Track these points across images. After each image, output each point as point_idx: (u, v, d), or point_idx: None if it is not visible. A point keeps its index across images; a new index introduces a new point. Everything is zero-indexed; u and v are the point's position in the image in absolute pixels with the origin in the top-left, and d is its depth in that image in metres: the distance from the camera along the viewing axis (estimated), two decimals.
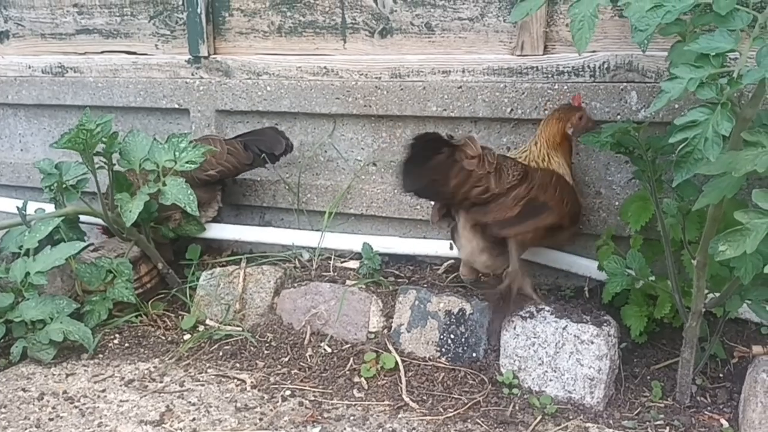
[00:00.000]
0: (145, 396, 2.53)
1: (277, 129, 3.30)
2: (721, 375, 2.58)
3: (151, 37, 3.66)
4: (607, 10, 2.76)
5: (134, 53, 3.72)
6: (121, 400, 2.51)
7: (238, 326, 2.96)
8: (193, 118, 3.53)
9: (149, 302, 3.17)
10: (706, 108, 1.71)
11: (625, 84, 2.77)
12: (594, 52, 2.82)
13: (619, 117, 2.77)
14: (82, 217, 3.22)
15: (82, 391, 2.58)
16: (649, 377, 2.59)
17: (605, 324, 2.52)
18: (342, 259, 3.24)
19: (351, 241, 3.23)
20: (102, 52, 3.80)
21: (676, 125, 1.74)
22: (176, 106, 3.57)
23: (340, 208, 3.28)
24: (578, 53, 1.92)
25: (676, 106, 2.63)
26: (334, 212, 3.27)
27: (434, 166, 2.48)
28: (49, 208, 3.17)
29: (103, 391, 2.58)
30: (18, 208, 2.95)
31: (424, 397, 2.50)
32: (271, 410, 2.43)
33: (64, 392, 2.57)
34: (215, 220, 3.46)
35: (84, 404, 2.49)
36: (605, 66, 2.80)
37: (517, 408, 2.43)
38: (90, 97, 3.74)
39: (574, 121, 2.71)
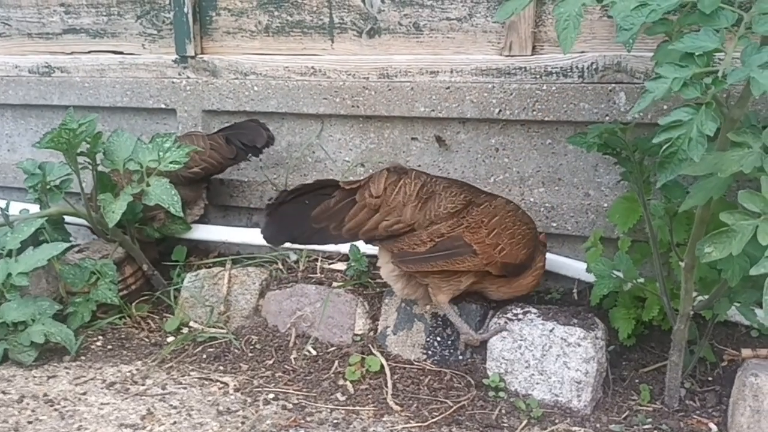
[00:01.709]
0: (126, 399, 2.49)
1: (257, 121, 3.26)
2: (710, 378, 2.56)
3: (137, 36, 3.63)
4: (596, 11, 2.74)
5: (121, 53, 3.69)
6: (102, 403, 2.47)
7: (222, 328, 2.92)
8: (179, 118, 3.50)
9: (134, 304, 3.14)
10: (690, 108, 1.69)
11: (613, 85, 2.75)
12: (582, 52, 2.80)
13: (607, 118, 2.75)
14: (70, 218, 3.18)
15: (63, 393, 2.54)
16: (637, 380, 2.57)
17: (593, 327, 2.49)
18: (329, 261, 3.21)
19: None
20: (89, 52, 3.77)
21: (660, 125, 1.72)
22: (163, 106, 3.54)
23: None
24: (563, 53, 1.89)
25: (665, 106, 2.61)
26: None
27: (322, 211, 2.50)
28: (35, 208, 3.14)
29: (84, 393, 2.54)
30: (0, 208, 2.92)
31: (410, 401, 2.47)
32: (254, 414, 2.39)
33: (45, 395, 2.53)
34: (202, 221, 3.43)
35: (64, 407, 2.45)
36: (593, 66, 2.78)
37: (503, 412, 2.40)
38: (77, 96, 3.71)
39: None
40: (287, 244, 3.19)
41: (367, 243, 2.65)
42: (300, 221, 2.53)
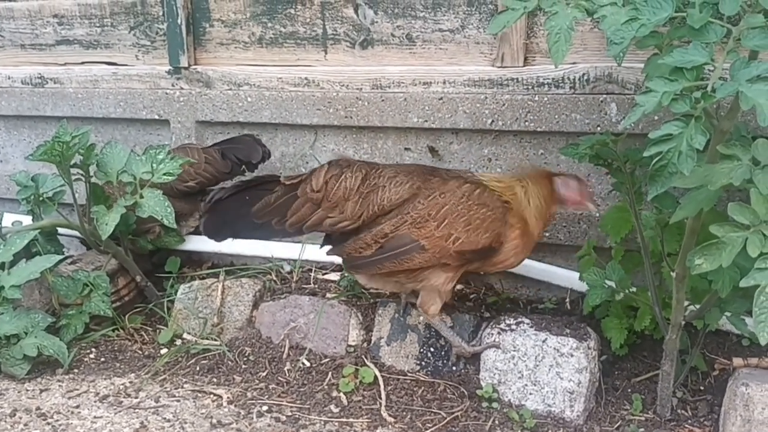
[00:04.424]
0: (119, 412, 2.49)
1: (253, 136, 3.27)
2: (701, 387, 2.57)
3: (131, 47, 3.64)
4: (587, 22, 2.76)
5: (114, 64, 3.69)
6: (95, 417, 2.46)
7: (215, 340, 2.91)
8: (173, 129, 3.51)
9: (127, 315, 3.13)
10: (680, 121, 1.70)
11: (604, 96, 2.77)
12: (574, 63, 2.82)
13: (599, 128, 2.77)
14: (63, 230, 3.17)
15: (56, 407, 2.53)
16: (629, 390, 2.58)
17: (585, 337, 2.50)
18: (323, 271, 3.21)
19: None
20: (82, 63, 3.77)
21: (651, 139, 1.73)
22: (156, 117, 3.54)
23: None
24: (555, 66, 1.91)
25: (656, 117, 2.63)
26: None
27: (263, 206, 2.50)
28: (27, 220, 3.14)
29: (77, 407, 2.53)
30: None
31: (403, 412, 2.47)
32: (247, 426, 2.39)
33: (38, 408, 2.52)
34: (196, 231, 3.42)
35: (57, 421, 2.44)
36: (585, 78, 2.80)
37: (496, 422, 2.41)
38: (70, 108, 3.71)
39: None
40: (282, 254, 3.25)
41: (322, 245, 2.64)
42: (241, 217, 2.53)
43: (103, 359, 2.90)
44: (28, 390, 2.66)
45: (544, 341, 2.49)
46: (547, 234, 2.94)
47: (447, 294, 2.54)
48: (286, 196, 2.51)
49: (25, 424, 2.43)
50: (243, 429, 2.38)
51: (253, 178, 2.61)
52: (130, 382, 2.70)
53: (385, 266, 2.45)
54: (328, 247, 3.10)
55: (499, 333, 2.56)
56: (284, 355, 2.80)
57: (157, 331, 3.06)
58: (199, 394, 2.61)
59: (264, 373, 2.73)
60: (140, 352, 2.95)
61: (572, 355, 2.44)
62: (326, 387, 2.62)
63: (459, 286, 3.04)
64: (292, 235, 2.57)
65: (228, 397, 2.57)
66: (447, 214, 2.39)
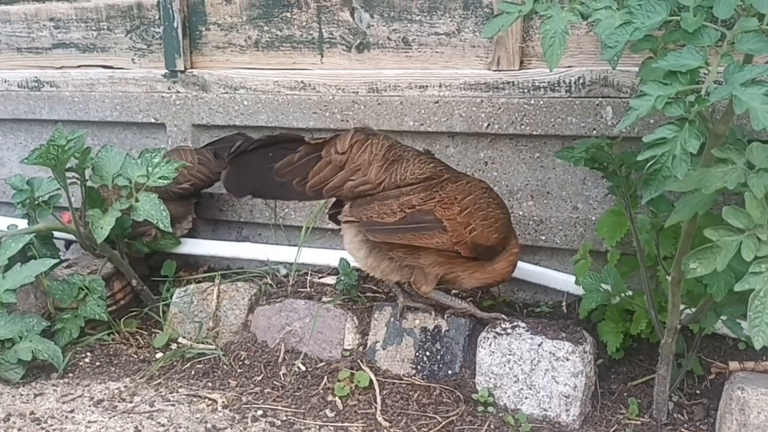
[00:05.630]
0: (114, 417, 2.48)
1: (245, 135, 3.27)
2: (698, 391, 2.56)
3: (127, 51, 3.64)
4: (582, 26, 2.76)
5: (111, 67, 3.69)
6: (89, 421, 2.45)
7: (211, 344, 2.91)
8: (169, 132, 3.51)
9: (122, 319, 3.12)
10: (674, 125, 1.70)
11: (600, 99, 2.77)
12: (570, 67, 2.82)
13: (594, 132, 2.77)
14: (60, 233, 3.16)
15: (50, 411, 2.52)
16: (626, 394, 2.57)
17: (581, 340, 2.49)
18: (319, 275, 3.21)
19: (328, 257, 3.20)
20: (78, 67, 3.77)
21: (644, 142, 1.73)
22: (153, 120, 3.54)
23: (318, 223, 3.25)
24: (550, 70, 1.91)
25: (651, 121, 2.63)
26: (311, 227, 3.24)
27: (286, 164, 2.47)
28: (23, 223, 3.13)
29: (72, 411, 2.52)
30: None
31: (399, 417, 2.46)
32: (242, 431, 2.38)
33: (32, 413, 2.51)
34: (192, 235, 3.42)
35: (51, 425, 2.43)
36: (581, 81, 2.80)
37: (492, 427, 2.40)
38: (66, 111, 3.71)
39: None
40: (278, 257, 3.25)
41: (332, 215, 2.60)
42: (263, 174, 2.50)
43: (98, 363, 2.89)
44: (22, 394, 2.65)
45: (539, 345, 2.48)
46: (543, 238, 2.95)
47: (433, 278, 2.56)
48: (309, 156, 2.49)
49: (19, 429, 2.42)
50: None
51: (279, 134, 2.58)
52: (125, 387, 2.69)
53: (405, 237, 2.45)
54: (325, 250, 3.13)
55: (495, 337, 2.55)
56: (280, 360, 2.79)
57: (153, 335, 3.06)
58: (194, 399, 2.60)
59: (259, 378, 2.72)
60: (135, 356, 2.94)
61: (568, 359, 2.44)
62: (321, 391, 2.61)
63: (454, 290, 3.03)
64: (311, 198, 2.55)
65: (223, 402, 2.56)
66: (470, 204, 2.46)
